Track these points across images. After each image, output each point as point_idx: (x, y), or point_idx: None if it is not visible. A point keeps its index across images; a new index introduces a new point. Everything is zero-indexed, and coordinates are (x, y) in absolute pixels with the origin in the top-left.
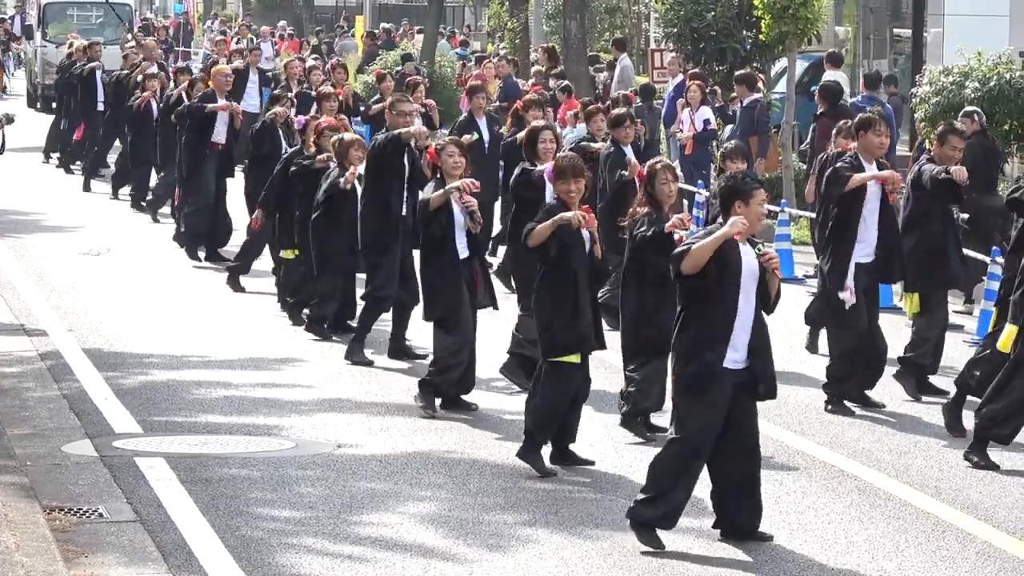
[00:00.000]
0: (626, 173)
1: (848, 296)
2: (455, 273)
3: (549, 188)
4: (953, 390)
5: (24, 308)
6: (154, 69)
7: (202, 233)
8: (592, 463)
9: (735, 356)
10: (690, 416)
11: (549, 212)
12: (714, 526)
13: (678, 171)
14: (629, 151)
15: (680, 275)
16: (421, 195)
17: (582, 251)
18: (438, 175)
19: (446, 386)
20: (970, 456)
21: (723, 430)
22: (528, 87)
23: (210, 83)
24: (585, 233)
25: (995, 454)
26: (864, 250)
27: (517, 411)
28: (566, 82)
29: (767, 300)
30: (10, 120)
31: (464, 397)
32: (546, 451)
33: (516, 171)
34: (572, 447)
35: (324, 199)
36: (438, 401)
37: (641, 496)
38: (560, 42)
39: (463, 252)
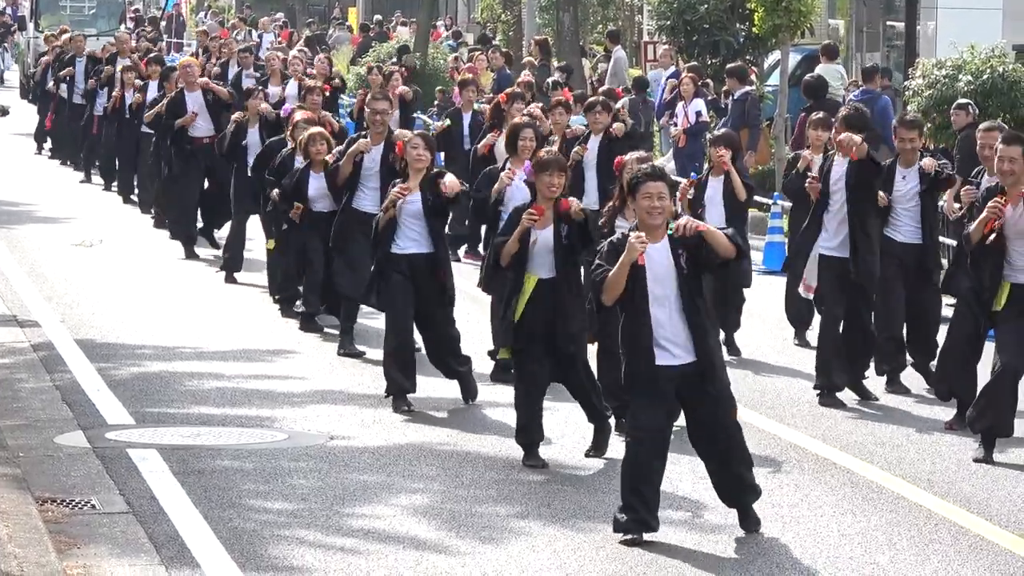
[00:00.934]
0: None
1: (802, 289)
2: (386, 265)
3: (514, 191)
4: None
5: (16, 299)
6: (127, 62)
7: (193, 237)
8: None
9: (672, 353)
10: (630, 417)
11: (514, 219)
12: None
13: (671, 167)
14: (594, 141)
15: (602, 308)
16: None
17: (544, 251)
18: (405, 167)
19: (399, 380)
20: (977, 454)
21: (689, 428)
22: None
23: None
24: (544, 233)
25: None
26: (831, 242)
27: (508, 403)
28: (554, 77)
29: (719, 255)
30: (4, 112)
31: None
32: (543, 445)
33: (484, 171)
34: (569, 443)
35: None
36: (423, 393)
37: (617, 510)
38: (553, 35)
39: (404, 247)
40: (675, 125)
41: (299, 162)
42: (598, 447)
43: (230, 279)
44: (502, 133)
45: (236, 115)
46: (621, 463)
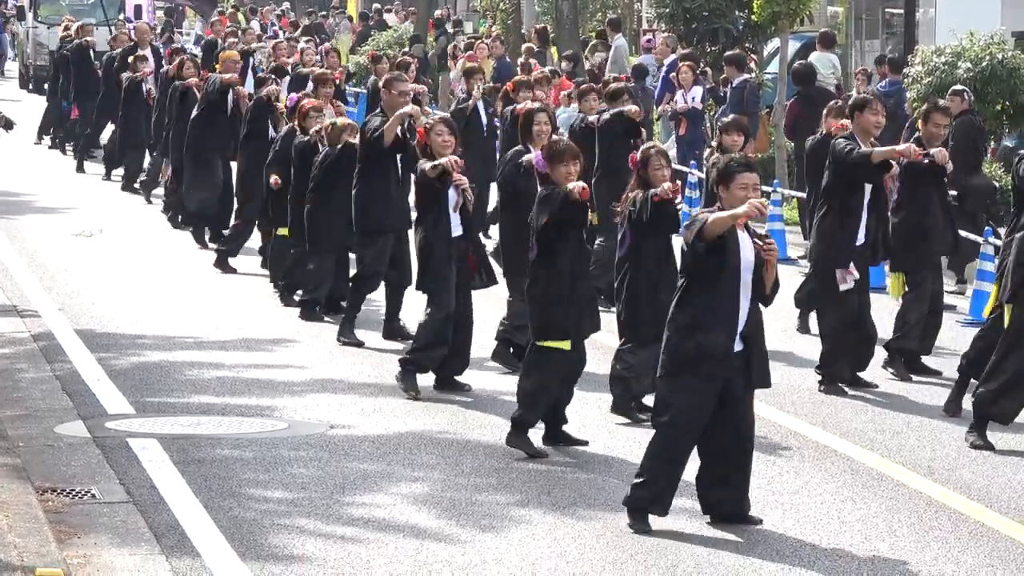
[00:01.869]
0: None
1: (849, 280)
2: (445, 248)
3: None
4: (946, 370)
5: (16, 289)
6: (146, 52)
7: (212, 217)
8: (585, 443)
9: (726, 339)
10: (675, 397)
11: (545, 201)
12: (703, 511)
13: (672, 153)
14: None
15: (698, 241)
16: (418, 168)
17: (577, 233)
18: (429, 153)
19: (427, 363)
20: (970, 436)
21: (715, 416)
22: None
23: (217, 68)
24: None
25: (991, 435)
26: (860, 234)
27: (510, 391)
28: (550, 67)
29: (762, 290)
30: (9, 126)
31: (458, 378)
32: (539, 432)
33: (507, 158)
34: (565, 428)
35: (319, 179)
36: (425, 380)
37: (635, 480)
38: (552, 23)
39: (456, 230)
40: (676, 103)
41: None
42: (576, 440)
43: (224, 267)
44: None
45: (270, 88)
46: (656, 439)
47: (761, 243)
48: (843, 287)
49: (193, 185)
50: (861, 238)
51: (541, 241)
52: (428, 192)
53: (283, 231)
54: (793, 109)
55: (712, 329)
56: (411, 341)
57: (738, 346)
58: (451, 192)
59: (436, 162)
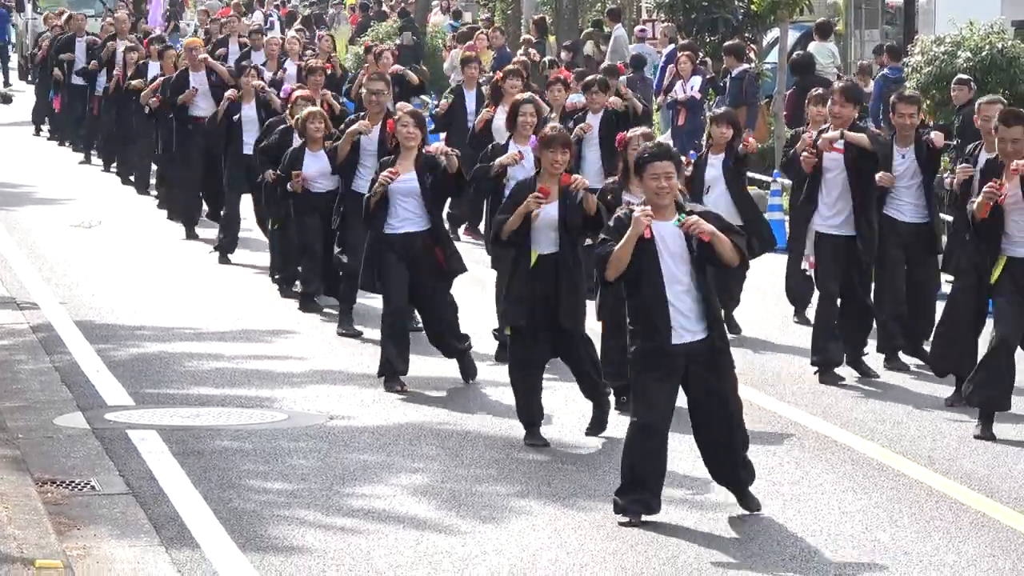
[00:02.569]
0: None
1: (806, 265)
2: (379, 245)
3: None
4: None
5: (15, 281)
6: (128, 43)
7: (194, 218)
8: (546, 444)
9: (684, 330)
10: (638, 396)
11: (516, 195)
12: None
13: (670, 142)
14: (595, 119)
15: (607, 284)
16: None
17: (546, 227)
18: (396, 145)
19: (390, 364)
20: (977, 431)
21: (691, 403)
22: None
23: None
24: (549, 209)
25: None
26: (829, 220)
27: (509, 383)
28: (549, 57)
29: (722, 262)
30: (7, 100)
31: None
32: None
33: (488, 149)
34: (569, 421)
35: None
36: (425, 371)
37: (618, 485)
38: (552, 13)
39: (398, 227)
40: (675, 93)
41: (296, 141)
42: (597, 425)
43: (224, 260)
44: (497, 109)
45: (230, 92)
46: (624, 443)
47: (683, 224)
48: (808, 271)
49: (178, 191)
50: (837, 225)
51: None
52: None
53: (272, 224)
54: (792, 99)
55: (651, 329)
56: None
57: (699, 333)
58: (394, 186)
59: (375, 187)
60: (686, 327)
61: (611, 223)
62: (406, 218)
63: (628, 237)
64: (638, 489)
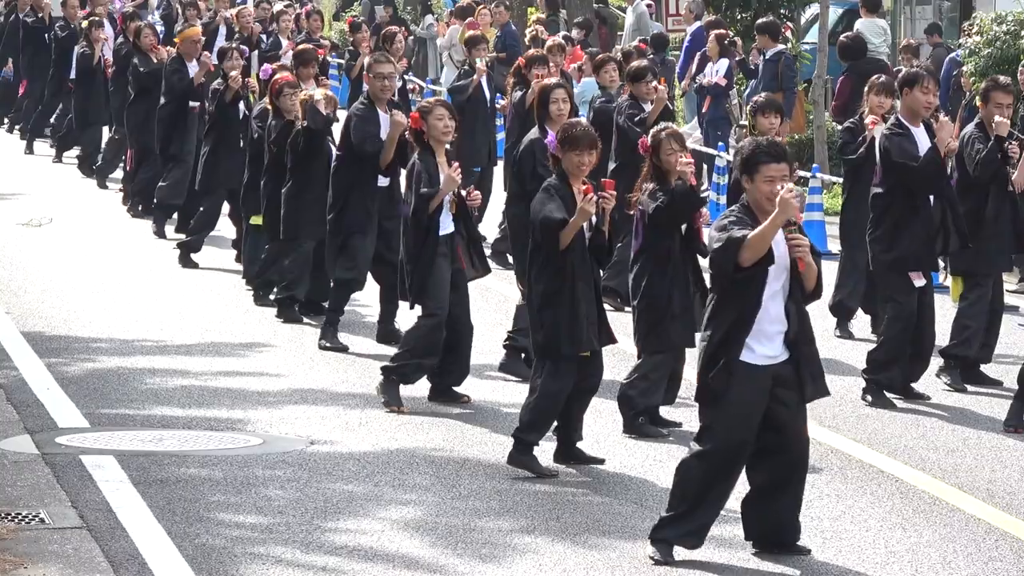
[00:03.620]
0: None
1: (920, 279)
2: (433, 249)
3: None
4: (1007, 379)
5: None
6: (93, 20)
7: (176, 207)
8: (601, 462)
9: (768, 350)
10: (716, 424)
11: (550, 193)
12: (746, 537)
13: (697, 135)
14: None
15: (734, 270)
16: (413, 178)
17: (580, 237)
18: (424, 141)
19: (412, 373)
20: None
21: (765, 438)
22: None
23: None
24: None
25: None
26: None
27: (513, 403)
28: (563, 34)
29: (800, 291)
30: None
31: (456, 388)
32: (545, 449)
33: (523, 146)
34: (579, 445)
35: (293, 161)
36: (418, 391)
37: (666, 513)
38: None
39: (446, 227)
40: (703, 77)
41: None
42: (592, 459)
43: (187, 261)
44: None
45: (233, 74)
46: (696, 468)
47: (788, 236)
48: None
49: (167, 174)
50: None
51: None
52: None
53: (256, 220)
54: (845, 89)
55: (733, 347)
56: (399, 347)
57: (782, 354)
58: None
59: (436, 196)
60: (771, 348)
61: (732, 215)
62: (448, 219)
63: (774, 219)
64: (691, 521)
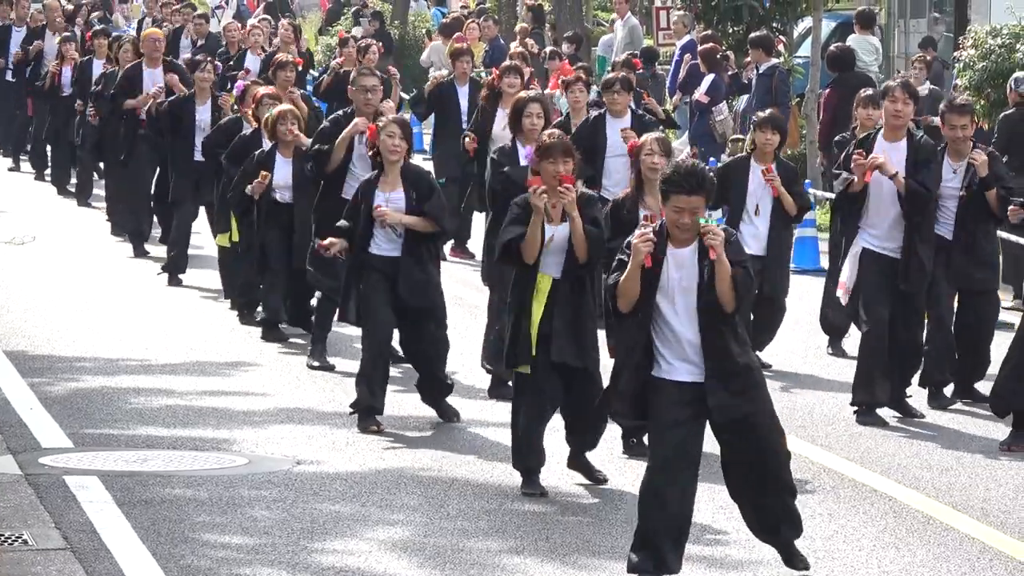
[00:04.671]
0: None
1: (842, 293)
2: (368, 273)
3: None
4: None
5: None
6: (65, 35)
7: (143, 233)
8: (604, 481)
9: (687, 370)
10: (651, 444)
11: (514, 212)
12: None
13: (687, 151)
14: (624, 122)
15: (617, 314)
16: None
17: (558, 250)
18: (377, 156)
19: (362, 399)
20: None
21: (725, 464)
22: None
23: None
24: (560, 230)
25: None
26: (876, 236)
27: (500, 422)
28: (551, 49)
29: (721, 296)
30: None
31: (447, 402)
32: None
33: (490, 161)
34: (588, 455)
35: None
36: (406, 410)
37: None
38: (554, 0)
39: (389, 250)
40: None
41: (266, 145)
42: (594, 475)
43: (174, 281)
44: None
45: (177, 89)
46: (640, 491)
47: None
48: (842, 299)
49: (122, 200)
50: (884, 246)
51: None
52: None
53: (222, 240)
54: (831, 99)
55: (629, 366)
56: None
57: (695, 376)
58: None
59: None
60: (691, 368)
61: (625, 246)
62: (392, 239)
63: (631, 267)
64: (655, 544)
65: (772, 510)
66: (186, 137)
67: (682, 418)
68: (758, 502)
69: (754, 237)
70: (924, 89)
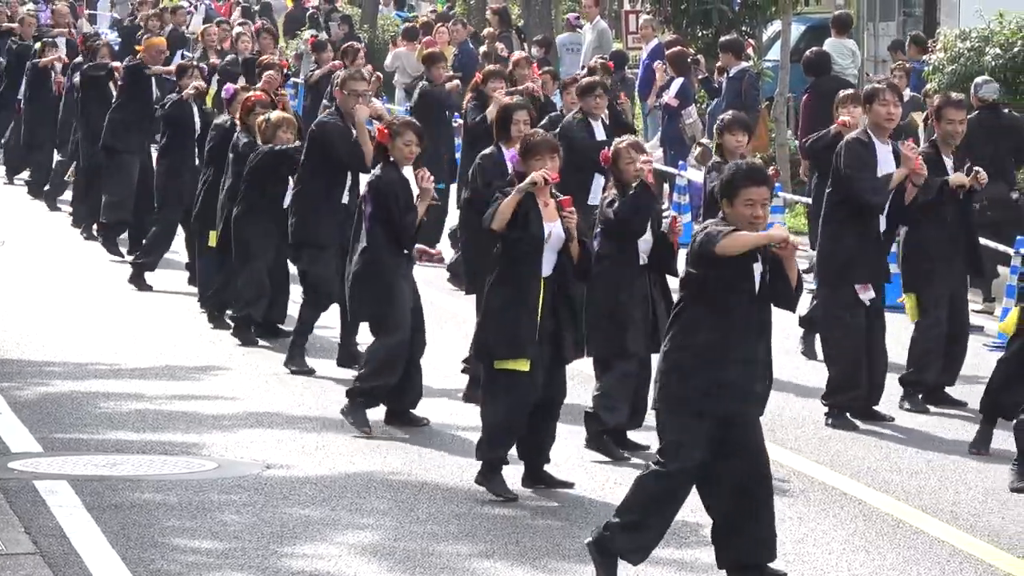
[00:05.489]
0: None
1: (867, 292)
2: (394, 264)
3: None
4: (972, 400)
5: None
6: (61, 39)
7: (126, 223)
8: (570, 486)
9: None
10: (676, 437)
11: (497, 198)
12: (719, 566)
13: (658, 154)
14: (599, 127)
15: (706, 258)
16: (370, 181)
17: (548, 250)
18: (389, 157)
19: (380, 394)
20: (1017, 483)
21: (721, 460)
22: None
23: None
24: (556, 228)
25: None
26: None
27: (471, 426)
28: (519, 53)
29: (787, 296)
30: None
31: (413, 411)
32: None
33: (477, 159)
34: (547, 468)
35: (246, 180)
36: (374, 414)
37: (617, 520)
38: (521, 4)
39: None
40: (664, 96)
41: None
42: (558, 482)
43: (139, 282)
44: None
45: (187, 91)
46: (653, 482)
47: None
48: (865, 299)
49: (107, 189)
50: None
51: (503, 245)
52: (379, 202)
53: (214, 239)
54: (808, 105)
55: (718, 364)
56: (359, 368)
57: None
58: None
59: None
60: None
61: (708, 227)
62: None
63: (769, 235)
64: (643, 532)
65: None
66: (184, 143)
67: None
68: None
69: None
70: (905, 95)
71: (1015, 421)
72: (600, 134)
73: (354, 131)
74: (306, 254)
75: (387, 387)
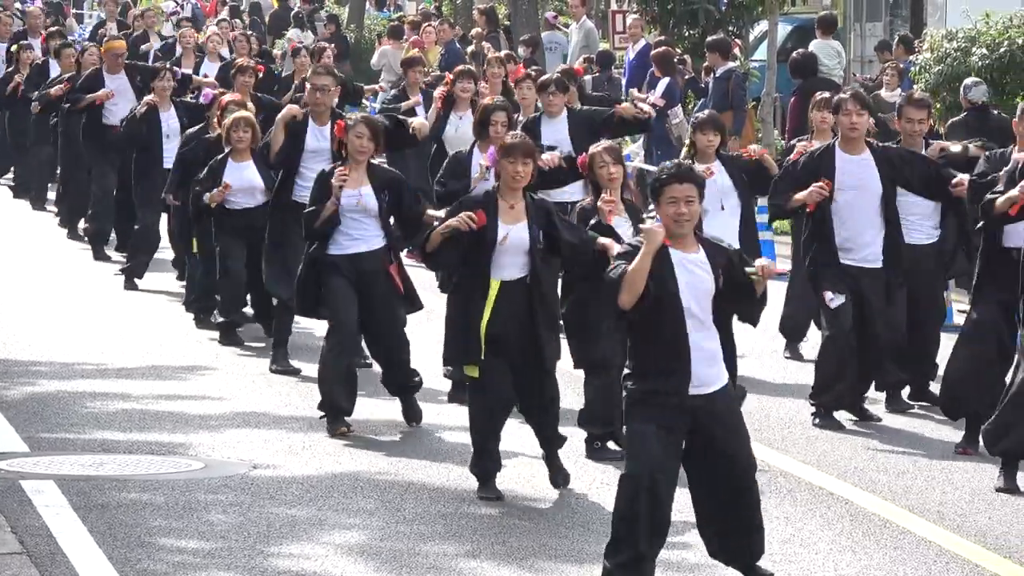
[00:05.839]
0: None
1: (830, 296)
2: (321, 266)
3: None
4: None
5: None
6: (36, 40)
7: (108, 233)
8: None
9: (699, 380)
10: (632, 448)
11: (460, 206)
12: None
13: (640, 152)
14: (560, 122)
15: (622, 313)
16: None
17: (516, 250)
18: (343, 153)
19: (331, 399)
20: (1000, 483)
21: (694, 470)
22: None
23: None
24: (517, 229)
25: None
26: (850, 253)
27: (458, 426)
28: (505, 52)
29: (750, 310)
30: None
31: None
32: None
33: (449, 165)
34: (561, 454)
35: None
36: (364, 413)
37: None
38: (509, 4)
39: (347, 247)
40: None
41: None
42: (561, 477)
43: (130, 285)
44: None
45: (148, 98)
46: (619, 500)
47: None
48: (832, 303)
49: (91, 199)
50: (856, 257)
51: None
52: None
53: (194, 246)
54: (796, 107)
55: (668, 377)
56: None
57: (711, 385)
58: (345, 199)
59: (331, 201)
60: (702, 376)
61: (624, 248)
62: (357, 237)
63: (644, 252)
64: (634, 545)
65: (748, 529)
66: (151, 146)
67: (685, 428)
68: (736, 522)
69: (723, 230)
70: (896, 95)
71: (981, 429)
72: (559, 132)
73: (314, 126)
74: (281, 256)
75: (332, 395)
